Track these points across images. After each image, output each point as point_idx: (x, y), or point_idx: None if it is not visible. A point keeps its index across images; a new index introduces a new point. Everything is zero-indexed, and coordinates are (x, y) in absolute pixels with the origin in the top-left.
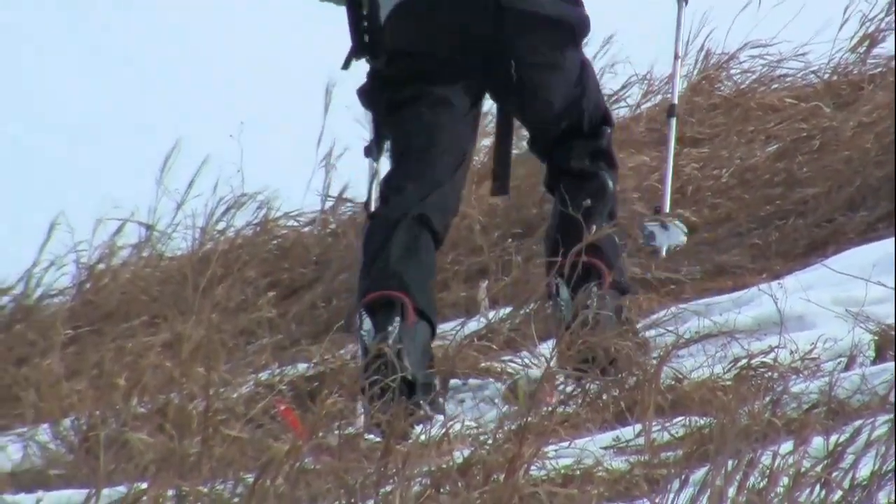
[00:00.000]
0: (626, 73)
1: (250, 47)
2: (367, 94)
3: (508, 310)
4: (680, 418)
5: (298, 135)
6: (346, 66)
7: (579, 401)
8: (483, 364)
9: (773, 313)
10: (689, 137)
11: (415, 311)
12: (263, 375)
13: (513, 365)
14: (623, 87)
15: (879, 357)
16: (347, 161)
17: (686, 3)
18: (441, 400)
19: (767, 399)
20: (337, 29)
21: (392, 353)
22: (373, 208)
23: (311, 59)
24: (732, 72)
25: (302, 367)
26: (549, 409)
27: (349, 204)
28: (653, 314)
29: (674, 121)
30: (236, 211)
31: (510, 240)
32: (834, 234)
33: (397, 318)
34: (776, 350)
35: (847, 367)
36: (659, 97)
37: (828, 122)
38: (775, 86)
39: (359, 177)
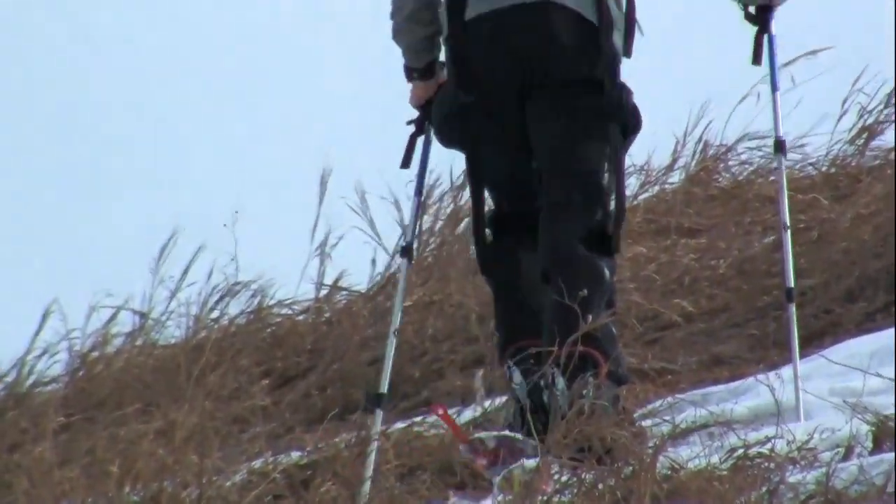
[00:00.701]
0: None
1: (245, 136)
2: (446, 132)
3: (504, 399)
4: None
5: (293, 223)
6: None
7: (575, 490)
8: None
9: (770, 404)
10: (686, 228)
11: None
12: (257, 463)
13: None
14: None
15: (877, 448)
16: (342, 249)
17: (785, 154)
18: None
19: (764, 489)
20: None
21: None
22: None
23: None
24: (730, 163)
25: (296, 455)
26: (545, 497)
27: (344, 292)
28: (649, 404)
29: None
30: (230, 299)
31: None
32: (832, 324)
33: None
34: (773, 440)
35: (845, 458)
36: (657, 188)
37: (826, 214)
38: (773, 177)
39: (353, 265)
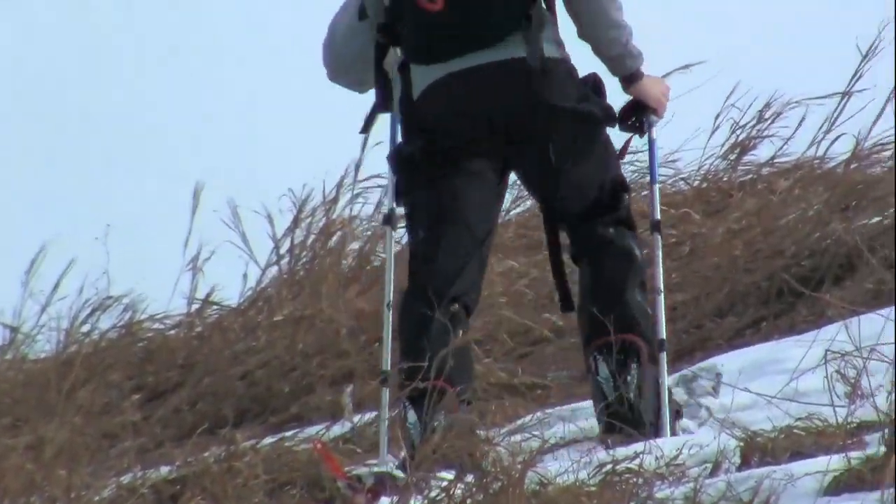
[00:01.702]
0: None
1: (117, 149)
2: (401, 163)
3: (374, 414)
4: None
5: (165, 237)
6: (366, 129)
7: None
8: (348, 468)
9: None
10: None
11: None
12: (126, 478)
13: (377, 469)
14: None
15: (745, 463)
16: (214, 264)
17: (661, 235)
18: None
19: None
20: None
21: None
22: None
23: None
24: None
25: (165, 470)
26: None
27: (215, 307)
28: (519, 419)
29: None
30: (101, 313)
31: (376, 344)
32: (701, 340)
33: (441, 413)
34: (641, 455)
35: (712, 474)
36: (529, 202)
37: (697, 229)
38: (644, 192)
39: (225, 280)
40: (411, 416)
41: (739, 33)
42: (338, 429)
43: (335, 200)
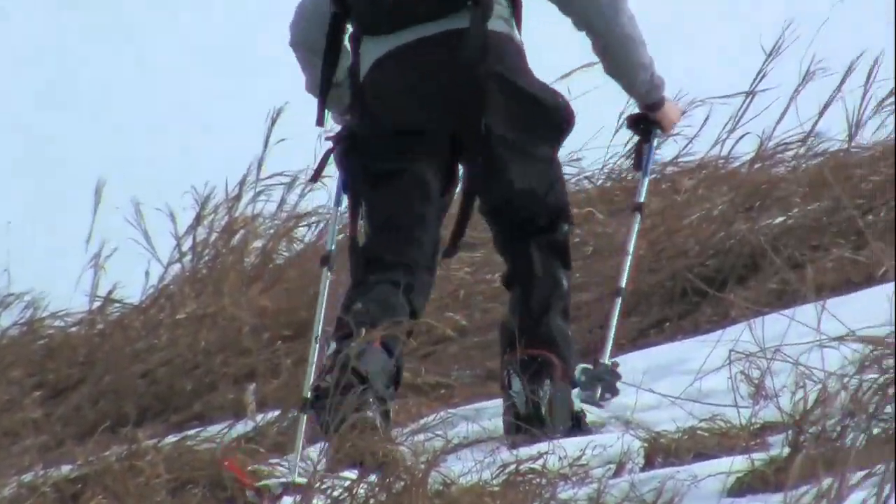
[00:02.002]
0: None
1: (19, 145)
2: (343, 160)
3: (277, 413)
4: None
5: (66, 235)
6: (320, 122)
7: None
8: (250, 467)
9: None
10: (462, 242)
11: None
12: (27, 477)
13: (280, 468)
14: None
15: (649, 464)
16: (116, 261)
17: (642, 216)
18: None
19: None
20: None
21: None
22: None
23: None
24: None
25: (66, 468)
26: None
27: (117, 304)
28: (422, 418)
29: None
30: (2, 310)
31: (279, 342)
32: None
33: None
34: (545, 456)
35: (616, 474)
36: None
37: (601, 228)
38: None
39: (127, 277)
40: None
41: (643, 32)
42: (241, 427)
43: (238, 198)
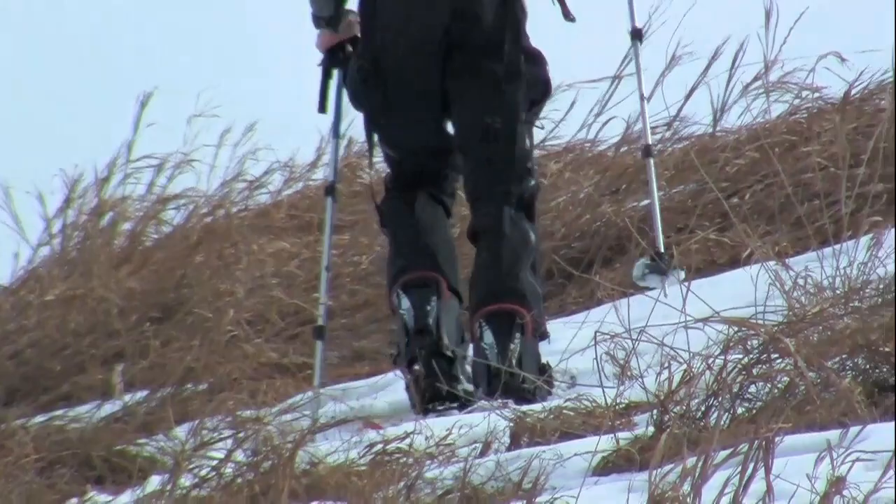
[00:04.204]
0: (269, 159)
1: None
2: (359, 93)
3: (145, 393)
4: (315, 503)
5: None
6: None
7: (214, 484)
8: (118, 447)
9: (408, 400)
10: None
11: (448, 290)
12: None
13: (148, 448)
14: (265, 173)
15: (514, 443)
16: None
17: (641, 41)
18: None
19: (402, 484)
20: None
21: (434, 329)
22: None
23: None
24: (375, 159)
25: None
26: (183, 492)
27: None
28: (290, 398)
29: (651, 161)
30: None
31: (148, 324)
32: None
33: (434, 297)
34: (412, 435)
35: (482, 453)
36: (300, 184)
37: (466, 211)
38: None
39: None
40: (405, 302)
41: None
42: (109, 408)
43: (107, 181)
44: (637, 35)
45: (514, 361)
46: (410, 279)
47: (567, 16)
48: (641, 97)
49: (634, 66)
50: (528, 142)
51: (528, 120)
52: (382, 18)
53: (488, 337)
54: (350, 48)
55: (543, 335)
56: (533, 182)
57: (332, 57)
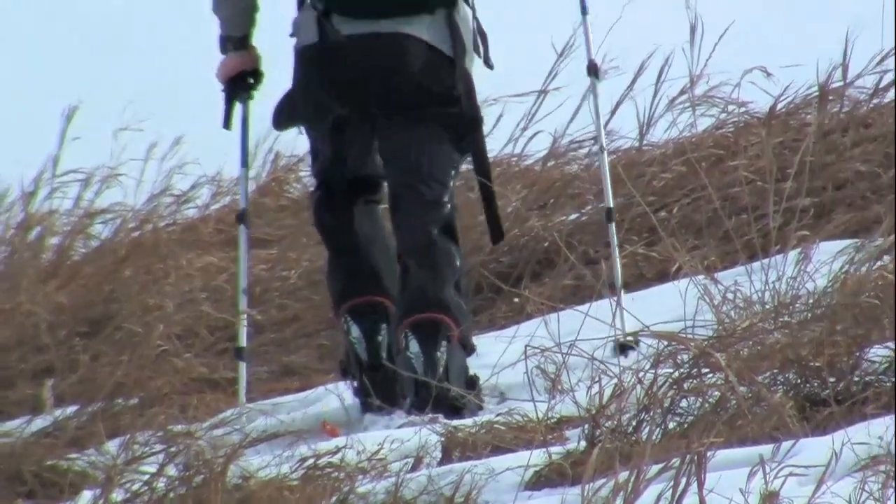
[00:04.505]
0: (196, 173)
1: None
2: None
3: (75, 408)
4: None
5: None
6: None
7: (146, 499)
8: (49, 462)
9: (339, 412)
10: (257, 239)
11: (394, 306)
12: None
13: (80, 462)
14: (192, 187)
15: (446, 458)
16: None
17: (598, 77)
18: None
19: (334, 499)
20: None
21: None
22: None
23: None
24: (302, 174)
25: None
26: None
27: None
28: (220, 413)
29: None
30: None
31: (77, 338)
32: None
33: (383, 325)
34: (343, 450)
35: (414, 468)
36: (228, 198)
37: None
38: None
39: None
40: (354, 330)
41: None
42: (39, 422)
43: (33, 194)
44: (594, 70)
45: (440, 370)
46: (358, 304)
47: (487, 62)
48: (602, 149)
49: (592, 106)
50: (453, 180)
51: (456, 160)
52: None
53: (414, 346)
54: (252, 80)
55: (470, 348)
56: (450, 206)
57: (234, 86)
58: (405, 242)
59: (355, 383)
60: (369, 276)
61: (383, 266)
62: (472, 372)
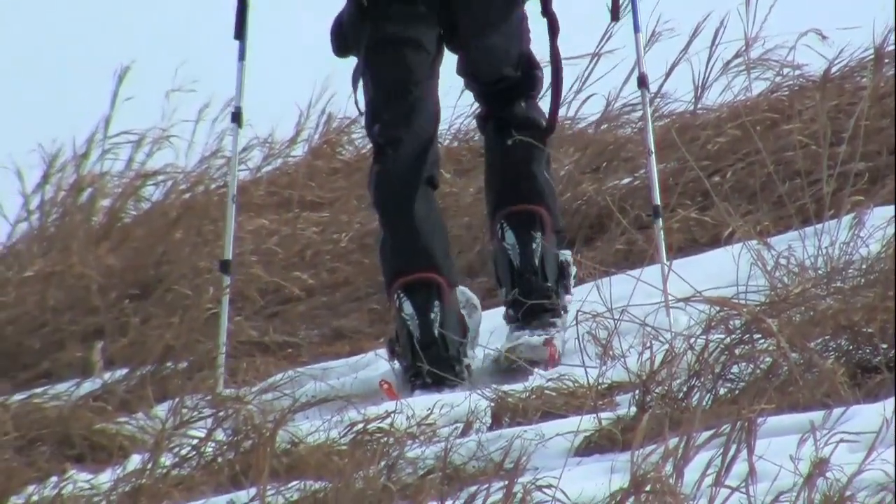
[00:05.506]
0: (247, 135)
1: None
2: (351, 29)
3: (125, 371)
4: (295, 482)
5: None
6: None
7: (194, 463)
8: (98, 426)
9: (390, 377)
10: (309, 201)
11: (448, 286)
12: None
13: (128, 427)
14: (243, 149)
15: (496, 423)
16: None
17: (648, 89)
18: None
19: (383, 464)
20: None
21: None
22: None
23: None
24: (354, 136)
25: None
26: (164, 471)
27: None
28: (270, 377)
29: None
30: None
31: (127, 301)
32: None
33: (437, 302)
34: (392, 415)
35: (463, 433)
36: (280, 160)
37: (448, 188)
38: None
39: None
40: (407, 307)
41: None
42: (88, 385)
43: (85, 156)
44: (644, 83)
45: (535, 261)
46: (411, 281)
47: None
48: (649, 153)
49: (642, 116)
50: (525, 44)
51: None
52: None
53: (510, 237)
54: None
55: (563, 235)
56: (539, 74)
57: None
58: (490, 118)
59: (404, 363)
60: (423, 252)
61: (437, 244)
62: (562, 258)
